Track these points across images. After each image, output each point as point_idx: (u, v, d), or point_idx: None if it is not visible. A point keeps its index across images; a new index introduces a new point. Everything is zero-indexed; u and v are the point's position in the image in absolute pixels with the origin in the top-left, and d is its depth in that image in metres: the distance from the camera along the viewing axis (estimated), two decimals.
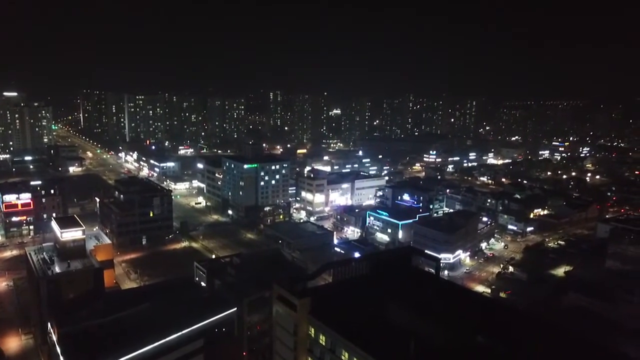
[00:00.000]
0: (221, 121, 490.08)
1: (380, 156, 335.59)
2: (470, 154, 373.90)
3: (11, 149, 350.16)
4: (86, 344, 70.07)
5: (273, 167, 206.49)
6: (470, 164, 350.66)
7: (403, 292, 66.37)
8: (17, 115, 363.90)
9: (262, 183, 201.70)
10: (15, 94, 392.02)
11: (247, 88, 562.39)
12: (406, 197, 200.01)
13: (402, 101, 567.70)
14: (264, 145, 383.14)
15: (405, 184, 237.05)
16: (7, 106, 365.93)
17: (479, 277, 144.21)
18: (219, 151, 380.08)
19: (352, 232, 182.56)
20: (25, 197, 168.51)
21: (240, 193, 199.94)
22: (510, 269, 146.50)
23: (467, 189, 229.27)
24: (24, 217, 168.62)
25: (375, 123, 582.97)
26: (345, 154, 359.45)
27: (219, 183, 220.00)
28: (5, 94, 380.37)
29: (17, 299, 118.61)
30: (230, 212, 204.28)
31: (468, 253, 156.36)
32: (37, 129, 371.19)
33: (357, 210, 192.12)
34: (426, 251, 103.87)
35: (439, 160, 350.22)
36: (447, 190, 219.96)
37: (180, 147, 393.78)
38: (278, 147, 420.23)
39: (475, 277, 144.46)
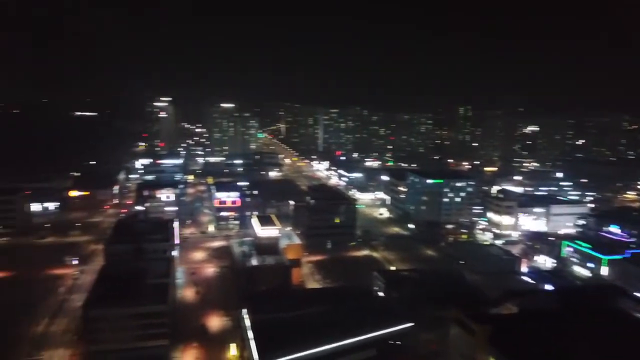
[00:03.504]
0: (408, 135, 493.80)
1: (583, 180, 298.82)
2: None
3: (226, 152, 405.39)
4: (273, 334, 77.01)
5: (458, 184, 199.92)
6: None
7: (598, 335, 57.95)
8: (231, 124, 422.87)
9: (445, 200, 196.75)
10: (232, 105, 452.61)
11: (434, 103, 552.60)
12: (614, 228, 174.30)
13: (612, 120, 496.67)
14: (450, 160, 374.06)
15: (614, 214, 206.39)
16: (224, 115, 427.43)
17: None
18: (404, 164, 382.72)
19: (543, 262, 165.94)
20: (234, 195, 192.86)
21: (423, 208, 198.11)
22: None
23: None
24: (232, 213, 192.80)
25: (578, 143, 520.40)
26: (540, 175, 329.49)
27: (402, 196, 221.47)
28: (222, 105, 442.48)
29: (221, 284, 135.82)
30: (411, 225, 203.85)
31: None
32: (246, 136, 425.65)
33: (551, 239, 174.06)
34: (636, 294, 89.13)
35: None
36: None
37: (366, 159, 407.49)
38: (464, 163, 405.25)
39: None
